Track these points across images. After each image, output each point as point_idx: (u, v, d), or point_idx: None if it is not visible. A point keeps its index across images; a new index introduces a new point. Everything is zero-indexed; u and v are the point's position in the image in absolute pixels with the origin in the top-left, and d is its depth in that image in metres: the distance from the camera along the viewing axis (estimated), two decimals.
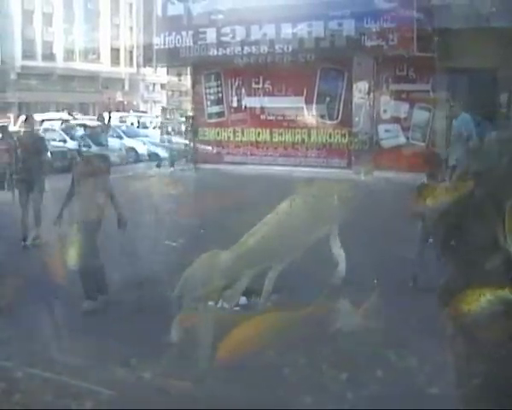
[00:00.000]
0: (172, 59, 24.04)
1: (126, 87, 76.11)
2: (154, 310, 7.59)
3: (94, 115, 56.47)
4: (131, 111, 57.51)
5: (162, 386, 5.64)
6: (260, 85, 22.78)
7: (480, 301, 3.24)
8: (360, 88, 21.05)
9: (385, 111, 20.80)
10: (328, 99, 21.67)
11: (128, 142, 32.24)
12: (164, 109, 29.25)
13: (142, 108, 68.66)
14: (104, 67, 73.98)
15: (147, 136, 34.44)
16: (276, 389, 5.68)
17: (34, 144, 13.16)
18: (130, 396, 5.46)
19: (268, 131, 23.01)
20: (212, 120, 24.31)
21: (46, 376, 5.89)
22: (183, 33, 22.93)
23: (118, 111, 57.46)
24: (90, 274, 8.63)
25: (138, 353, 6.41)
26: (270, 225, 7.39)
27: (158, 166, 24.55)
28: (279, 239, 7.54)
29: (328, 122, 21.86)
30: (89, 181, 8.88)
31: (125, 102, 71.52)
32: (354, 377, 5.89)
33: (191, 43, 22.84)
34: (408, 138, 20.40)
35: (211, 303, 9.02)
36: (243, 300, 9.02)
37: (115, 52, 75.22)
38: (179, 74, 26.79)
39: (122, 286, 9.05)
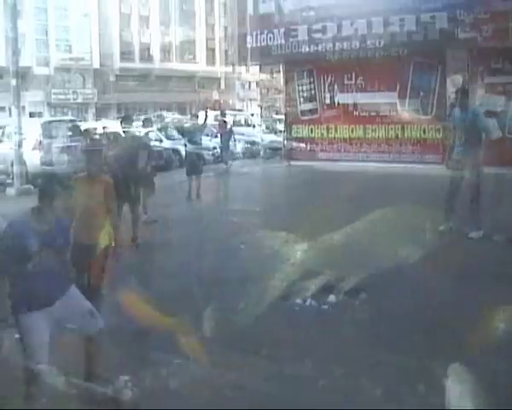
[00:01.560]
0: (264, 57, 24.14)
1: (222, 86, 76.92)
2: None
3: (190, 114, 57.49)
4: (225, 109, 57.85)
5: None
6: (353, 81, 22.59)
7: None
8: (454, 82, 20.63)
9: (480, 105, 20.29)
10: (421, 94, 21.29)
11: None
12: (259, 107, 29.44)
13: (237, 107, 69.05)
14: (200, 66, 75.01)
15: (242, 134, 34.69)
16: None
17: (136, 145, 13.41)
18: None
19: (361, 127, 22.80)
20: (305, 117, 24.26)
21: None
22: (275, 31, 23.02)
23: (214, 110, 58.24)
24: None
25: None
26: (355, 231, 7.24)
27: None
28: (359, 248, 7.37)
29: (422, 117, 21.48)
30: None
31: (221, 101, 72.28)
32: None
33: (283, 41, 22.90)
34: (504, 133, 19.85)
35: (298, 300, 9.05)
36: (332, 298, 8.98)
37: (211, 52, 76.19)
38: (272, 72, 26.93)
39: None
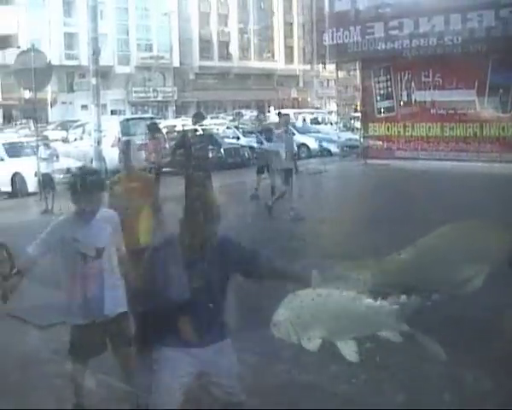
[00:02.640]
0: (341, 55, 24.07)
1: (301, 84, 76.89)
2: None
3: (269, 113, 57.72)
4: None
5: None
6: (430, 79, 22.27)
7: None
8: None
9: None
10: (500, 91, 20.84)
11: (300, 138, 32.58)
12: (337, 105, 29.35)
13: (316, 105, 68.94)
14: (278, 64, 75.14)
15: (318, 132, 34.64)
16: None
17: (204, 141, 13.55)
18: None
19: (439, 125, 22.48)
20: (382, 115, 24.07)
21: None
22: (351, 28, 22.91)
23: (292, 108, 58.34)
24: None
25: None
26: (419, 249, 6.85)
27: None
28: (423, 268, 6.96)
29: (501, 115, 21.04)
30: None
31: (300, 99, 72.28)
32: None
33: (359, 38, 22.77)
34: None
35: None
36: (403, 298, 8.89)
37: (289, 50, 76.21)
38: (348, 70, 26.81)
39: None
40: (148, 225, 7.09)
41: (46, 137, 20.75)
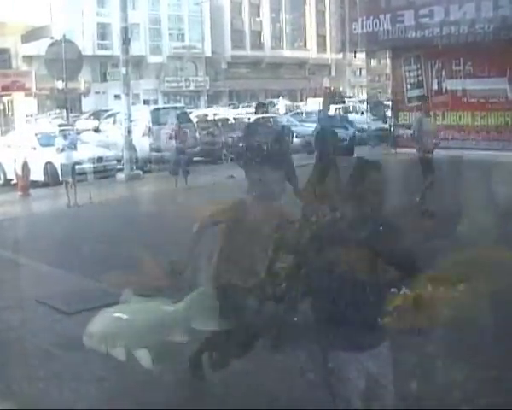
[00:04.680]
0: (371, 43, 23.91)
1: (333, 73, 76.58)
2: None
3: (302, 101, 57.63)
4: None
5: None
6: (461, 67, 22.07)
7: None
8: None
9: None
10: None
11: None
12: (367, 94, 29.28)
13: (348, 93, 68.61)
14: (311, 53, 74.93)
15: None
16: None
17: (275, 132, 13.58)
18: None
19: (470, 114, 22.29)
20: (412, 104, 23.90)
21: None
22: (381, 17, 22.75)
23: (324, 96, 58.03)
24: None
25: None
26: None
27: None
28: None
29: None
30: None
31: (332, 88, 71.95)
32: None
33: (389, 27, 22.61)
34: None
35: None
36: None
37: (321, 38, 75.95)
38: (379, 58, 26.68)
39: None
40: None
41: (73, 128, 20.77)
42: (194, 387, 5.64)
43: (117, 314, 5.07)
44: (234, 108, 48.07)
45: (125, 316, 5.04)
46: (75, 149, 17.86)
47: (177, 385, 5.86)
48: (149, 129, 24.56)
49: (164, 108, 29.47)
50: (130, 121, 21.76)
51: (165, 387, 5.65)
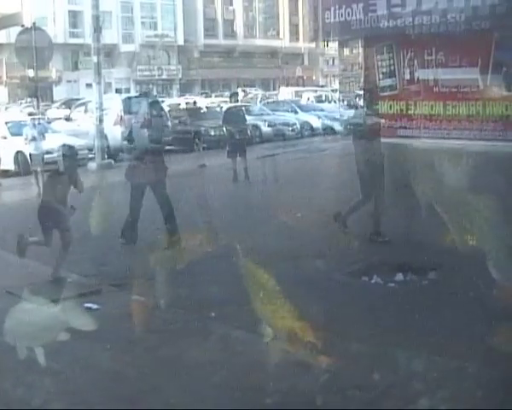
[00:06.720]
0: (344, 32, 23.81)
1: (306, 62, 76.63)
2: None
3: (274, 90, 57.66)
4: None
5: None
6: (433, 57, 22.06)
7: None
8: None
9: None
10: (504, 69, 20.69)
11: (303, 116, 32.59)
12: (339, 83, 29.36)
13: (321, 83, 68.90)
14: (284, 42, 74.88)
15: (322, 110, 34.64)
16: None
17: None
18: None
19: (441, 103, 22.25)
20: (385, 94, 23.92)
21: None
22: (354, 6, 22.62)
23: (297, 86, 58.29)
24: None
25: None
26: None
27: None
28: None
29: (505, 93, 20.90)
30: None
31: (305, 77, 72.09)
32: None
33: (362, 16, 22.55)
34: None
35: (364, 278, 9.05)
36: (399, 276, 8.93)
37: (294, 27, 75.90)
38: (351, 48, 26.66)
39: None
40: None
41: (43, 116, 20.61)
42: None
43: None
44: (206, 97, 48.04)
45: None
46: (44, 138, 17.67)
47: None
48: (121, 118, 24.40)
49: (136, 97, 29.27)
50: (102, 110, 21.61)
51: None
